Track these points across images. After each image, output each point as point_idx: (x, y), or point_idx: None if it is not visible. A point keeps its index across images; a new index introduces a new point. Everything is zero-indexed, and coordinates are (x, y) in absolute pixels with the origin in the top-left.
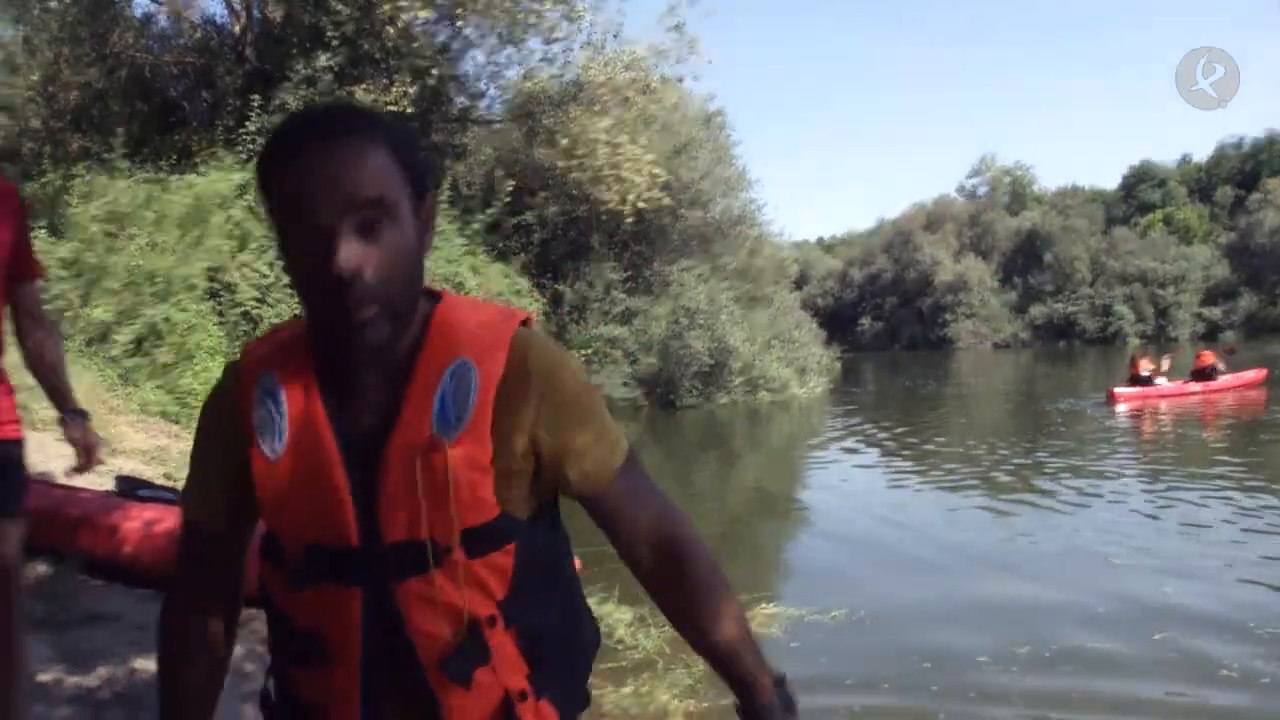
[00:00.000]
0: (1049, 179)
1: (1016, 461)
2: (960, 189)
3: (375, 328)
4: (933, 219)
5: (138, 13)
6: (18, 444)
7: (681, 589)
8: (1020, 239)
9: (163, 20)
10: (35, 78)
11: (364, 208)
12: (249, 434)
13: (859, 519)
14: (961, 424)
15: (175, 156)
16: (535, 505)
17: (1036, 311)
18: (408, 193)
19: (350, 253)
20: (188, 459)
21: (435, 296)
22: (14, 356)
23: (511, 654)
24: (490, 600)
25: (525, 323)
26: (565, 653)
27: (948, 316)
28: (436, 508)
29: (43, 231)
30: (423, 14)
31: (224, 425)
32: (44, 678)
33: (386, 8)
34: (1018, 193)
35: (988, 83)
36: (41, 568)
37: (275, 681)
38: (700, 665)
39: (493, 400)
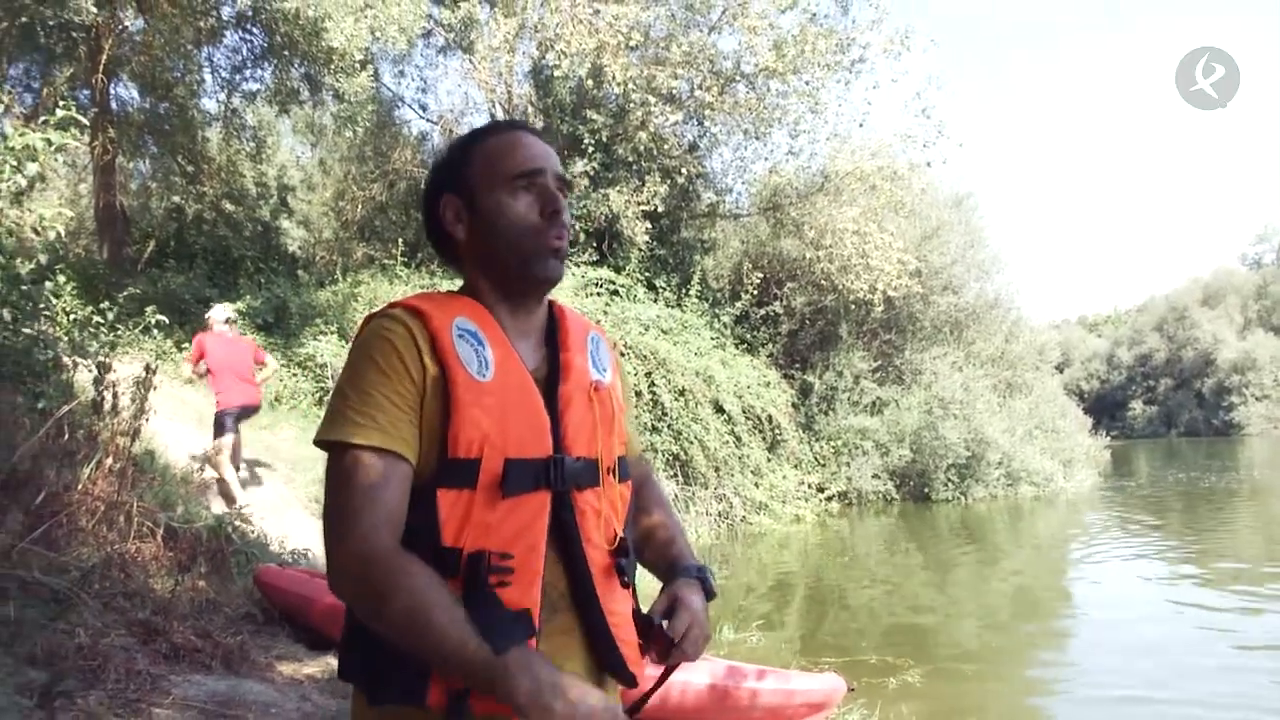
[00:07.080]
0: None
1: None
2: (1243, 258)
3: (559, 262)
4: (1211, 293)
5: (414, 131)
6: None
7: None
8: None
9: (436, 137)
10: (328, 194)
11: (559, 181)
12: (438, 367)
13: (1132, 631)
14: (1257, 525)
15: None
16: None
17: None
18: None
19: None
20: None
21: None
22: None
23: (631, 585)
24: (622, 526)
25: None
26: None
27: (1234, 399)
28: (606, 433)
29: (334, 336)
30: (673, 117)
31: (411, 360)
32: None
33: (639, 114)
34: None
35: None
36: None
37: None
38: None
39: (617, 367)
